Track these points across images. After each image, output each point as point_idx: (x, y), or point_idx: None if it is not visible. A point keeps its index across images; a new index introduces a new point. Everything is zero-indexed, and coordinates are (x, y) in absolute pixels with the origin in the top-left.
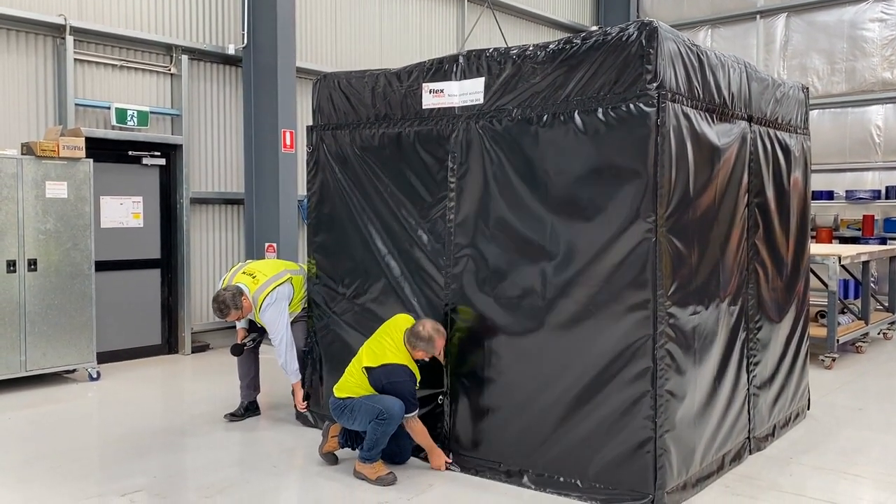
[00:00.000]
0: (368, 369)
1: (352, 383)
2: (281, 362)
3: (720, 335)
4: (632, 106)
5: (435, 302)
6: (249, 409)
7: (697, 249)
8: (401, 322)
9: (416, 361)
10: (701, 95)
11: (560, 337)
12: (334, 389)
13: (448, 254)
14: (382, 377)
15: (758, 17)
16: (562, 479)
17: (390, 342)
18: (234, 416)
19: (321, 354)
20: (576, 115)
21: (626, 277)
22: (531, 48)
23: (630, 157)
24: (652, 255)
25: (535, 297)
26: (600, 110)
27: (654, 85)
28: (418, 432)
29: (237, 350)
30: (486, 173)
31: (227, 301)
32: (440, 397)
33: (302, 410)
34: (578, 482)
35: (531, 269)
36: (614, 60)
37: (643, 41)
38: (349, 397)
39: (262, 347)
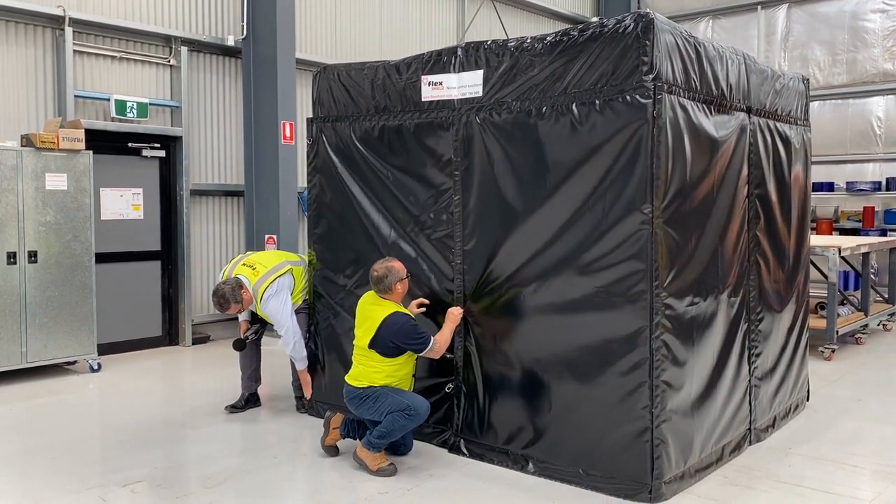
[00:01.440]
0: (373, 343)
1: (368, 369)
2: (289, 352)
3: (720, 326)
4: (628, 97)
5: (439, 292)
6: (250, 400)
7: (695, 240)
8: (371, 291)
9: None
10: (698, 87)
11: (559, 326)
12: (347, 379)
13: (454, 245)
14: (386, 339)
15: (759, 7)
16: (564, 466)
17: (373, 307)
18: (235, 408)
19: (322, 345)
20: (573, 106)
21: (623, 268)
22: (529, 40)
23: (626, 149)
24: (648, 246)
25: (537, 287)
26: (597, 102)
27: (651, 77)
28: (444, 343)
29: (239, 345)
30: (488, 165)
31: (227, 295)
32: (448, 385)
33: (309, 397)
34: (580, 470)
35: (532, 260)
36: (611, 52)
37: (639, 33)
38: (371, 386)
39: (264, 339)
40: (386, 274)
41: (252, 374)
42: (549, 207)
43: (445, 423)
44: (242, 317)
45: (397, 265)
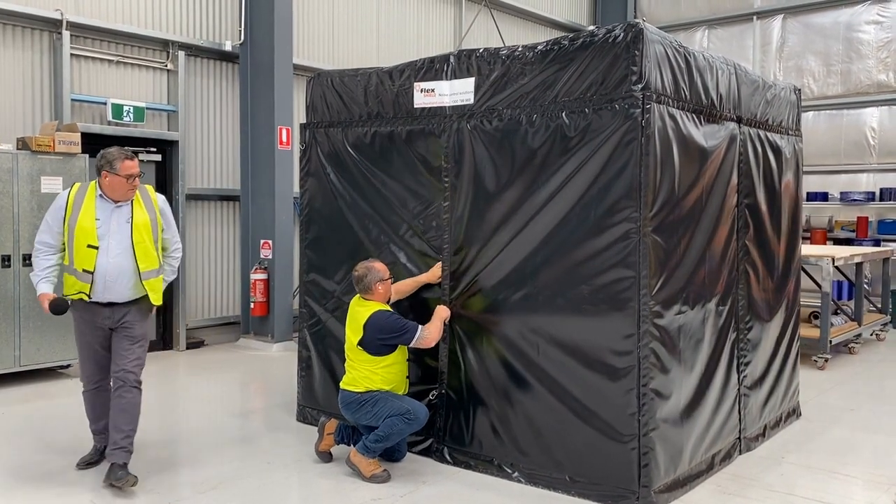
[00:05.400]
0: (361, 342)
1: (363, 374)
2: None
3: (708, 335)
4: (617, 106)
5: (428, 297)
6: (104, 452)
7: (683, 249)
8: (355, 297)
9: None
10: (688, 97)
11: (547, 334)
12: (343, 385)
13: (442, 252)
14: (373, 337)
15: (754, 18)
16: (552, 474)
17: (357, 309)
18: (90, 464)
19: (314, 351)
20: (563, 115)
21: (610, 276)
22: (520, 49)
23: (615, 157)
24: (636, 255)
25: (525, 295)
26: (587, 110)
27: (640, 86)
28: (435, 330)
29: (62, 307)
30: (478, 172)
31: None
32: (432, 393)
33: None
34: (567, 477)
35: (521, 267)
36: (601, 62)
37: (629, 43)
38: (369, 390)
39: (257, 343)
40: (365, 273)
41: (108, 426)
42: (537, 215)
43: (428, 432)
44: (44, 288)
45: (378, 266)
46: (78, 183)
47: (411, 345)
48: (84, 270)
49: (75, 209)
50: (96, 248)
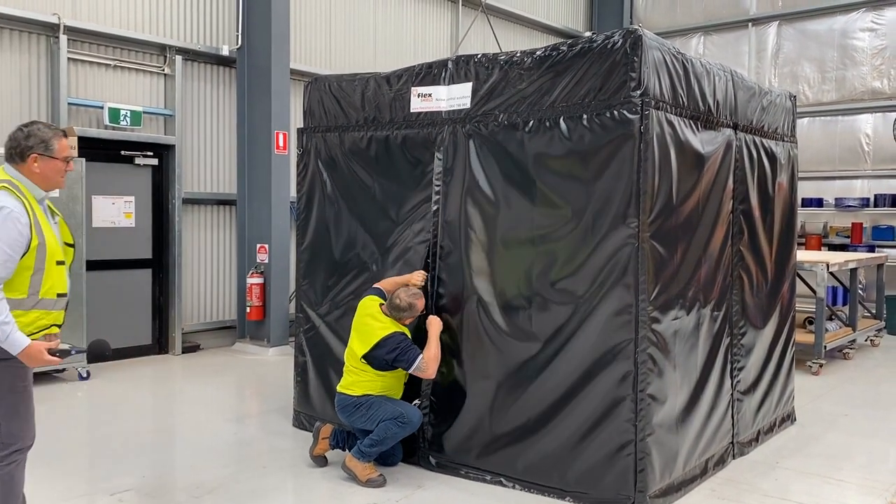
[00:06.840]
0: (366, 357)
1: (363, 379)
2: None
3: (702, 340)
4: (616, 113)
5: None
6: None
7: (680, 255)
8: (371, 302)
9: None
10: (685, 103)
11: (542, 340)
12: (340, 388)
13: (433, 257)
14: (382, 355)
15: (750, 24)
16: (546, 481)
17: (373, 321)
18: None
19: (310, 356)
20: (561, 121)
21: (609, 282)
22: (518, 54)
23: (613, 164)
24: (635, 260)
25: (519, 300)
26: (585, 116)
27: (638, 92)
28: (433, 358)
29: (105, 348)
30: (472, 177)
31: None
32: (416, 402)
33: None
34: (562, 484)
35: (515, 273)
36: (599, 67)
37: (628, 49)
38: (366, 395)
39: (252, 347)
40: (406, 308)
41: None
42: (534, 220)
43: (414, 439)
44: (25, 339)
45: (420, 304)
46: (5, 187)
47: (410, 371)
48: (59, 295)
49: (36, 224)
50: (64, 262)
